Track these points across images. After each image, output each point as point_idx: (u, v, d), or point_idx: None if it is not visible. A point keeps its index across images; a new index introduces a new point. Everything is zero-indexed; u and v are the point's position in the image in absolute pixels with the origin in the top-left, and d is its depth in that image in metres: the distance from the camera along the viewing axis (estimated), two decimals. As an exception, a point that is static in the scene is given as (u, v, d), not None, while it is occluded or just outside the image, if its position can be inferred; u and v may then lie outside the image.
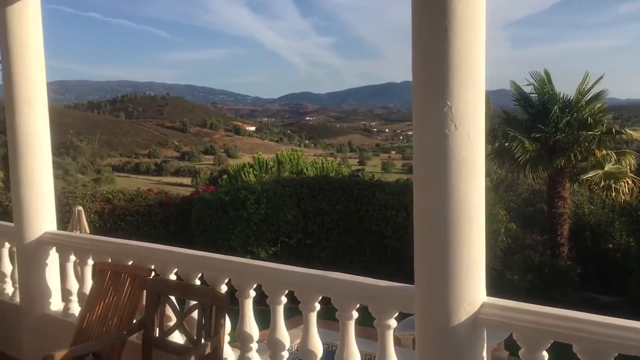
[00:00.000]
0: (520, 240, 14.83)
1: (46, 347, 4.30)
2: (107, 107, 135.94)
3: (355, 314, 2.99)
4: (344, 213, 14.23)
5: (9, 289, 4.92)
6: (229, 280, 3.44)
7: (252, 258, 13.37)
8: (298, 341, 3.27)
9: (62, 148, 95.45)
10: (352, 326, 3.01)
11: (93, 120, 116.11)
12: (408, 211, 13.30)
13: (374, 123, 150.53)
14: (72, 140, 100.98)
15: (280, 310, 3.29)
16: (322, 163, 22.55)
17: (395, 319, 2.88)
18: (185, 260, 3.64)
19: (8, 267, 4.94)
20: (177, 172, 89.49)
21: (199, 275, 3.58)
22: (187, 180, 75.41)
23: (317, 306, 3.14)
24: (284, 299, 3.27)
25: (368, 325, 3.01)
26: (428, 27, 2.36)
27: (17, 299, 4.67)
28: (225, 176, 21.92)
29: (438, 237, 2.37)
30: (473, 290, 2.43)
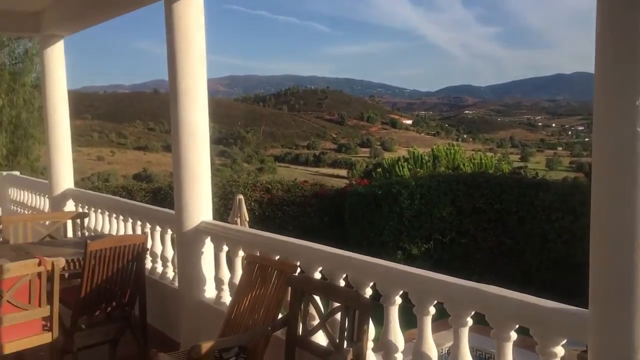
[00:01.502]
0: None
1: (200, 332, 4.48)
2: (272, 100, 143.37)
3: (513, 335, 2.64)
4: (503, 213, 13.38)
5: (170, 273, 5.22)
6: (374, 284, 3.26)
7: (403, 254, 13.17)
8: (449, 344, 2.98)
9: (230, 139, 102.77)
10: (509, 348, 2.66)
11: (258, 113, 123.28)
12: (576, 214, 12.13)
13: (539, 117, 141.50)
14: (239, 131, 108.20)
15: (428, 321, 3.02)
16: (481, 159, 21.52)
17: (563, 346, 2.48)
18: (330, 259, 3.51)
19: (170, 252, 5.24)
20: (334, 164, 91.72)
21: (344, 275, 3.44)
22: (343, 172, 77.00)
23: (470, 321, 2.83)
24: (432, 310, 3.00)
25: (529, 335, 2.62)
26: (618, 5, 1.94)
27: (177, 284, 4.91)
28: (379, 169, 21.84)
29: (623, 260, 1.96)
30: (667, 325, 1.98)
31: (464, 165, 20.90)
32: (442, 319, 3.13)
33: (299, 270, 3.69)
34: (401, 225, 13.34)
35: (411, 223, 13.35)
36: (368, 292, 3.30)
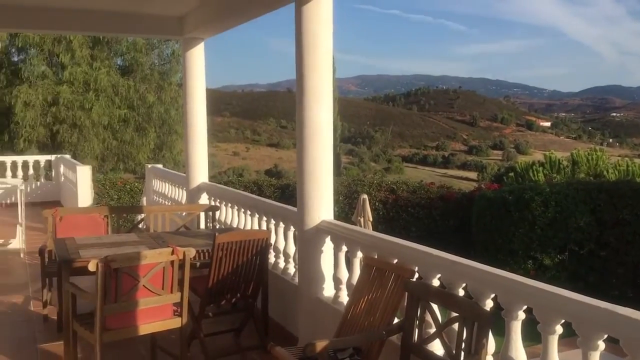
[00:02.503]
0: None
1: (317, 329, 4.55)
2: (401, 100, 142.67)
3: (653, 366, 2.37)
4: (651, 225, 12.18)
5: (292, 269, 5.35)
6: (496, 295, 3.09)
7: (534, 264, 12.45)
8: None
9: (359, 138, 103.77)
10: (647, 379, 2.39)
11: (388, 113, 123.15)
12: None
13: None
14: (368, 130, 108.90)
15: (554, 341, 2.81)
16: (628, 165, 19.75)
17: None
18: (449, 267, 3.39)
19: (292, 249, 5.37)
20: (464, 166, 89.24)
21: (463, 285, 3.30)
22: (472, 175, 74.74)
23: (602, 345, 2.59)
24: (559, 329, 2.78)
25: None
26: None
27: (297, 280, 5.01)
28: (511, 174, 20.86)
29: None
30: None
31: (607, 172, 19.34)
32: (573, 337, 2.90)
33: (416, 275, 3.60)
34: (533, 233, 12.60)
35: (544, 232, 12.56)
36: (489, 303, 3.14)
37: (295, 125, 4.67)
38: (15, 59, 21.89)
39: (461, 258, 3.36)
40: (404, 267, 3.65)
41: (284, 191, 15.38)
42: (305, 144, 4.55)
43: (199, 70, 7.55)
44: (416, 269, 3.60)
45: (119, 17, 7.10)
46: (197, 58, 7.51)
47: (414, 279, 3.57)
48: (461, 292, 3.34)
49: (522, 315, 2.98)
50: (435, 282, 3.52)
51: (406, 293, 3.52)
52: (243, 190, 9.56)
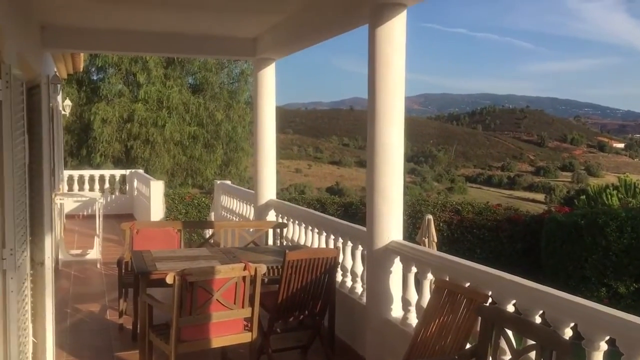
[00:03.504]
0: None
1: (384, 351, 4.53)
2: (466, 119, 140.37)
3: None
4: None
5: (359, 288, 5.35)
6: (575, 324, 2.99)
7: (607, 292, 11.91)
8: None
9: (421, 157, 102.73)
10: None
11: (451, 132, 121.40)
12: None
13: None
14: (431, 149, 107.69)
15: (640, 375, 2.69)
16: None
17: None
18: (525, 293, 3.31)
19: (360, 268, 5.38)
20: (530, 188, 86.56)
21: (540, 312, 3.21)
22: (540, 197, 72.39)
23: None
24: (645, 362, 2.67)
25: None
26: None
27: (364, 299, 5.01)
28: (583, 197, 20.07)
29: None
30: None
31: (687, 196, 18.29)
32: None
33: (490, 300, 3.54)
34: (607, 259, 12.07)
35: (619, 259, 12.00)
36: (568, 332, 3.05)
37: (365, 143, 4.71)
38: (95, 77, 23.08)
39: (538, 284, 3.28)
40: (478, 292, 3.60)
41: (347, 209, 15.40)
42: (376, 164, 4.58)
43: (270, 90, 7.73)
44: (490, 293, 3.54)
45: (197, 39, 7.41)
46: (268, 78, 7.70)
47: (488, 304, 3.50)
48: (538, 319, 3.26)
49: (604, 346, 2.88)
50: (510, 308, 3.44)
51: (479, 318, 3.46)
52: (306, 208, 9.66)
